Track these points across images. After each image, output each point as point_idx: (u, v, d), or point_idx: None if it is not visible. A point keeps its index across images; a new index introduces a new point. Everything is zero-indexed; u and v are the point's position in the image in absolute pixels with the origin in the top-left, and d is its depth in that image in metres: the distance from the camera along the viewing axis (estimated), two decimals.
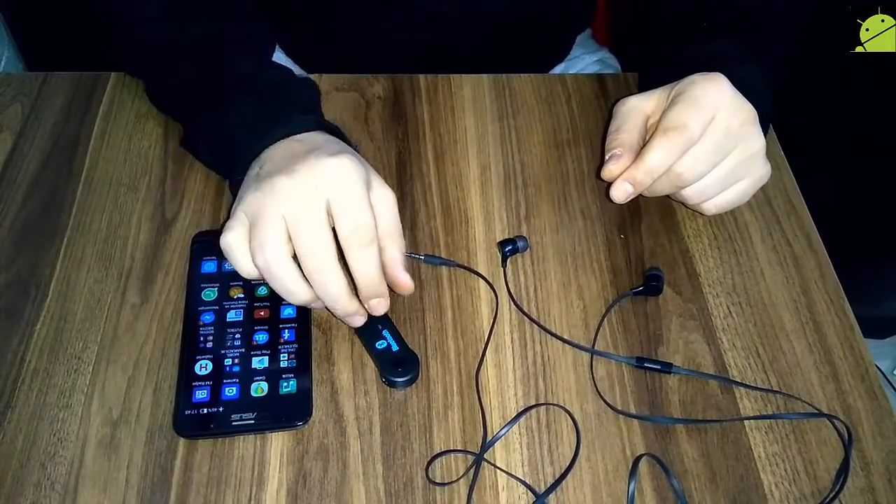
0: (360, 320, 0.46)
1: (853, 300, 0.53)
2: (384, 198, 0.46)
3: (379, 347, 0.47)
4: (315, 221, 0.43)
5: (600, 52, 0.84)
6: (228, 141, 0.50)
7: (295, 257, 0.44)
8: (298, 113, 0.50)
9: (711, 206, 0.51)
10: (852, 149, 1.10)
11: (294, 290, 0.44)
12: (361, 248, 0.44)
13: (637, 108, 0.51)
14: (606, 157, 0.49)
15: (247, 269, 0.45)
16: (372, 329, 0.47)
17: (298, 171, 0.44)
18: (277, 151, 0.47)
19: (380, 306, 0.46)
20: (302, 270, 0.44)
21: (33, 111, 0.60)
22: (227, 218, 0.45)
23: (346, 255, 0.44)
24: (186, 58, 0.54)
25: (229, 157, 0.50)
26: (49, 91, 0.62)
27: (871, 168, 1.11)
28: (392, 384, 0.46)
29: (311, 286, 0.44)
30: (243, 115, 0.50)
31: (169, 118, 0.59)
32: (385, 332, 0.47)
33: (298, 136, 0.48)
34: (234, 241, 0.44)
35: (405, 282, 0.47)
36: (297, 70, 0.76)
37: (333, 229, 0.44)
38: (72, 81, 0.63)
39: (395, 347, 0.47)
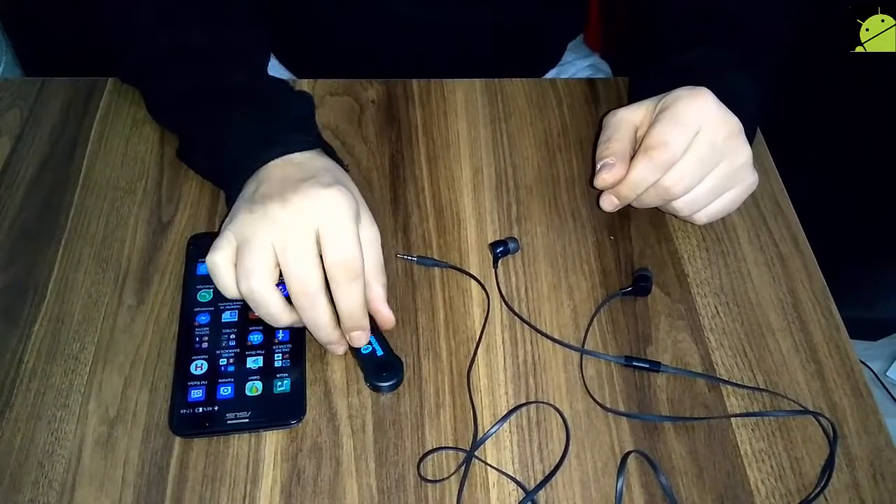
0: (340, 349, 0.47)
1: (846, 303, 0.54)
2: (371, 235, 0.47)
3: (364, 352, 0.47)
4: (304, 251, 0.44)
5: (592, 58, 0.85)
6: (224, 157, 0.51)
7: (279, 282, 0.44)
8: (294, 131, 0.51)
9: (702, 216, 0.52)
10: (847, 151, 1.11)
11: (276, 316, 0.45)
12: (348, 281, 0.44)
13: (626, 119, 0.52)
14: (598, 167, 0.50)
15: (230, 290, 0.45)
16: None
17: (291, 200, 0.44)
18: (272, 173, 0.48)
19: (360, 338, 0.46)
20: (285, 295, 0.45)
21: (31, 116, 0.61)
22: (219, 229, 0.46)
23: (331, 287, 0.44)
24: (182, 66, 0.54)
25: (225, 174, 0.51)
26: (47, 96, 0.63)
27: (865, 170, 1.12)
28: (376, 388, 0.47)
29: (293, 311, 0.45)
30: (239, 131, 0.50)
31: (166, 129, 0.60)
32: (370, 337, 0.47)
33: (295, 158, 0.49)
34: (220, 262, 0.44)
35: (387, 317, 0.48)
36: (287, 76, 0.77)
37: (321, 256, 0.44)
38: (69, 86, 0.63)
39: (379, 352, 0.47)
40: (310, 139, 0.51)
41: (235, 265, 0.44)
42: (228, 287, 0.45)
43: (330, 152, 0.52)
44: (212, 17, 0.57)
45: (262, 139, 0.49)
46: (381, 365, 0.47)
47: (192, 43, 0.55)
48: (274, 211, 0.44)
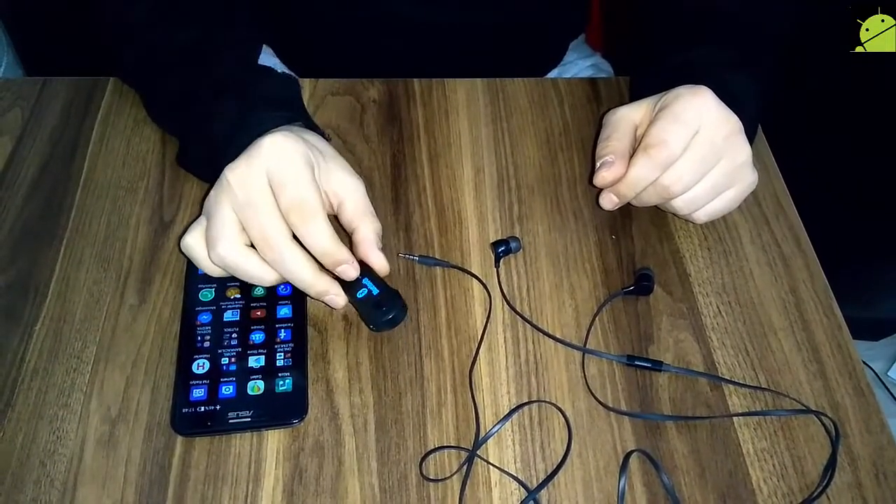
0: (338, 300, 0.46)
1: (847, 302, 0.54)
2: (350, 184, 0.47)
3: (360, 296, 0.47)
4: (258, 203, 0.43)
5: (594, 58, 0.85)
6: (212, 152, 0.51)
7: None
8: (273, 111, 0.50)
9: (702, 215, 0.52)
10: (847, 150, 1.11)
11: (259, 276, 0.45)
12: (304, 222, 0.44)
13: (626, 117, 0.52)
14: (598, 165, 0.50)
15: (208, 267, 0.46)
16: (354, 281, 0.47)
17: (239, 162, 0.44)
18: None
19: (348, 271, 0.46)
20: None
21: (33, 116, 0.61)
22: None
23: (295, 233, 0.44)
24: (174, 64, 0.54)
25: (214, 167, 0.51)
26: (48, 96, 0.63)
27: (866, 169, 1.12)
28: (380, 327, 0.46)
29: (274, 269, 0.45)
30: (224, 124, 0.50)
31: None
32: (365, 280, 0.47)
33: (267, 133, 0.48)
34: (192, 243, 0.45)
35: (378, 263, 0.47)
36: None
37: None
38: (71, 86, 0.63)
39: (375, 291, 0.47)
40: (287, 115, 0.50)
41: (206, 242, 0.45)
42: (206, 265, 0.45)
43: (313, 127, 0.52)
44: (209, 17, 0.57)
45: (245, 128, 0.49)
46: (378, 302, 0.46)
47: (183, 39, 0.55)
48: (226, 177, 0.44)
